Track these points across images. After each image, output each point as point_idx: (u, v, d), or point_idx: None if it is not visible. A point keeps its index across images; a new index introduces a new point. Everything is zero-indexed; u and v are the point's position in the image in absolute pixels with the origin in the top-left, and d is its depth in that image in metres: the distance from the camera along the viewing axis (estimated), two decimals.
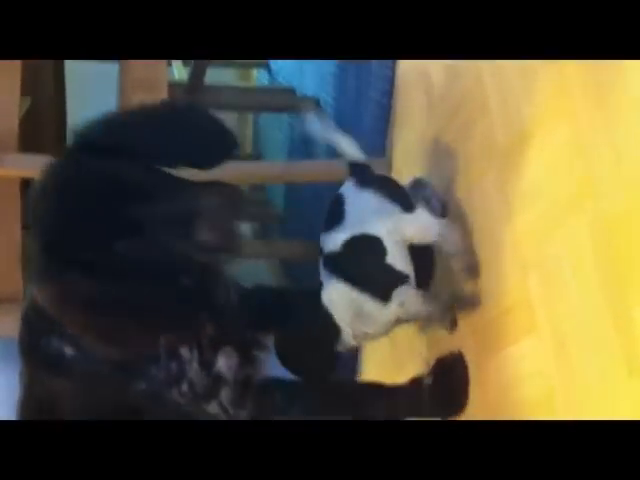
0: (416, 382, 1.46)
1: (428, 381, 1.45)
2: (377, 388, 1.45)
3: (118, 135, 1.20)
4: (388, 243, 1.37)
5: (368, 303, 1.35)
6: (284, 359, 1.37)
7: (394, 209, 1.39)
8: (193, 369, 1.30)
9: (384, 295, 1.35)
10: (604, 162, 1.12)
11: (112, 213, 1.11)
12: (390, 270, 1.37)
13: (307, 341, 1.39)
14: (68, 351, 1.28)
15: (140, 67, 1.85)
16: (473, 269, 1.44)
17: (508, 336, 1.35)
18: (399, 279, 1.37)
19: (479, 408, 1.44)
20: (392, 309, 1.36)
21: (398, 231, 1.38)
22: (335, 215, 1.41)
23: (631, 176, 1.07)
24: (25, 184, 2.00)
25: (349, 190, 1.43)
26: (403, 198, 1.41)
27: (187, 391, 1.31)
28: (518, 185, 1.33)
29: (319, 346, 1.38)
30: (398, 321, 1.40)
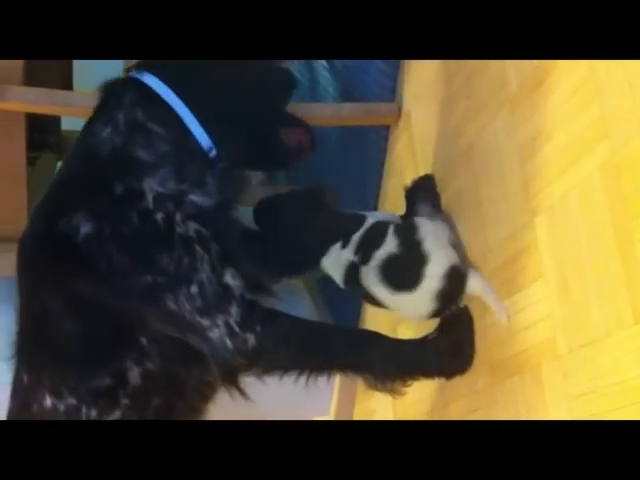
0: (421, 337, 1.44)
1: (433, 335, 1.42)
2: (381, 336, 1.43)
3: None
4: None
5: None
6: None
7: None
8: (205, 270, 1.25)
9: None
10: (620, 104, 1.09)
11: None
12: None
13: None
14: (85, 229, 1.27)
15: None
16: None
17: (515, 284, 1.34)
18: None
19: (483, 359, 1.43)
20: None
21: None
22: None
23: None
24: (30, 119, 1.97)
25: None
26: None
27: (196, 294, 1.24)
28: (530, 128, 1.31)
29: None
30: None
